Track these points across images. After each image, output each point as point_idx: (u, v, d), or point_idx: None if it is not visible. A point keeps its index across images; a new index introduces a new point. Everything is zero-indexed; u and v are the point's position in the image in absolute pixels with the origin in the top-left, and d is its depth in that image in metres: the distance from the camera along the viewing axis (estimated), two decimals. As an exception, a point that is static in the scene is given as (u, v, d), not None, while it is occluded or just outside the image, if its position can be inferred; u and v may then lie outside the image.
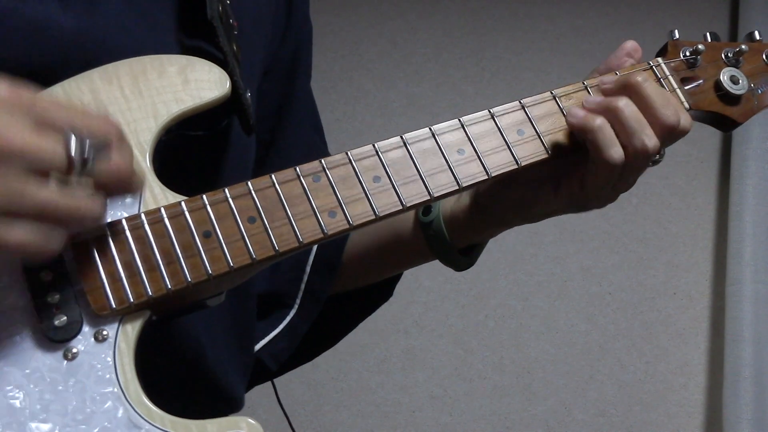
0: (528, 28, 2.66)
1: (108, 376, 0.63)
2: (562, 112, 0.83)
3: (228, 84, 0.73)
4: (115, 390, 0.63)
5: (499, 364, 2.42)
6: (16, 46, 0.68)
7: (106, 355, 0.64)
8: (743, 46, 0.91)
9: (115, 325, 0.65)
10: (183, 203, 0.68)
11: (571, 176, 0.83)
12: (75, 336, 0.64)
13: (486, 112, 0.81)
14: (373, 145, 0.76)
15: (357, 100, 2.59)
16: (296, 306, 1.01)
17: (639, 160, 0.80)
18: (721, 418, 2.28)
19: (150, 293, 0.65)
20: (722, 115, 0.90)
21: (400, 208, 0.74)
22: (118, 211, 0.67)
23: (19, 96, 0.58)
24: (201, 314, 0.78)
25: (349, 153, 0.75)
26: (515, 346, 2.43)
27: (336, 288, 1.04)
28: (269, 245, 0.69)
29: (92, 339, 0.64)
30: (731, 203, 2.40)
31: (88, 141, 0.58)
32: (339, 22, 2.63)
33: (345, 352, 2.37)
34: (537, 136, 0.81)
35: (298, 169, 0.72)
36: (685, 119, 0.82)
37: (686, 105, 0.87)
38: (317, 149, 1.04)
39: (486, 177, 0.78)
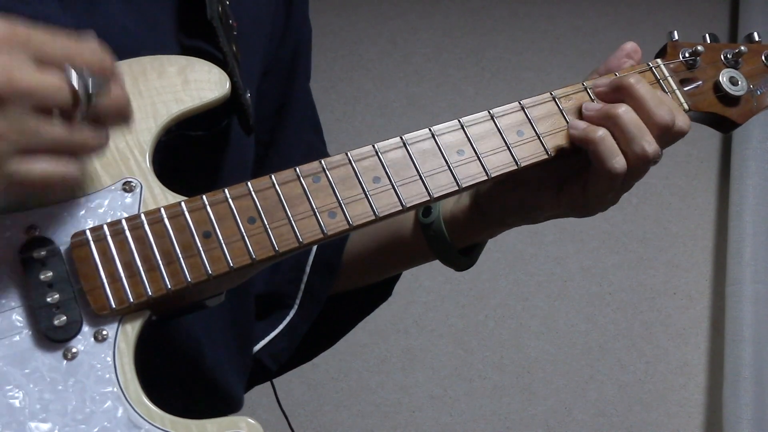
0: (528, 28, 2.66)
1: (108, 375, 0.63)
2: (562, 113, 0.83)
3: (228, 84, 0.74)
4: (115, 390, 0.63)
5: (499, 364, 2.42)
6: (16, 45, 0.68)
7: (106, 355, 0.64)
8: (742, 48, 0.91)
9: (115, 325, 0.65)
10: (183, 203, 0.69)
11: (573, 183, 0.83)
12: (75, 336, 0.64)
13: (486, 112, 0.81)
14: (373, 146, 0.76)
15: (357, 100, 2.59)
16: (296, 306, 1.01)
17: (640, 166, 0.80)
18: (721, 418, 2.28)
19: (150, 293, 0.65)
20: (721, 116, 0.90)
21: (400, 208, 0.74)
22: (118, 212, 0.68)
23: (15, 33, 0.58)
24: (200, 315, 0.78)
25: (348, 153, 0.75)
26: (515, 346, 2.43)
27: (336, 288, 1.04)
28: (269, 245, 0.69)
29: (92, 339, 0.64)
30: (731, 203, 2.41)
31: (90, 77, 0.60)
32: (339, 22, 2.63)
33: (345, 352, 2.37)
34: (537, 137, 0.81)
35: (297, 169, 0.72)
36: (683, 120, 0.82)
37: (685, 106, 0.87)
38: (316, 150, 1.04)
39: (486, 178, 0.78)
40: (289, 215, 0.71)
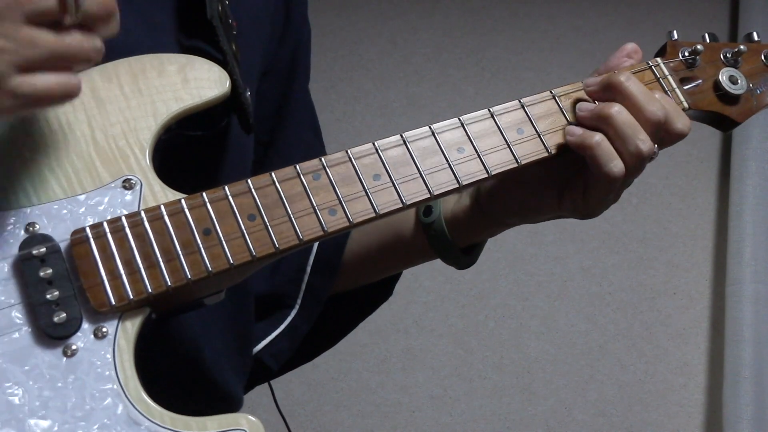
0: (528, 28, 2.66)
1: (107, 373, 0.64)
2: (562, 111, 0.83)
3: (228, 83, 0.74)
4: (115, 387, 0.63)
5: (499, 364, 2.42)
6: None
7: (106, 352, 0.64)
8: (742, 47, 0.91)
9: (115, 322, 0.65)
10: (183, 201, 0.69)
11: (574, 187, 0.84)
12: (74, 333, 0.64)
13: (486, 111, 0.81)
14: (373, 144, 0.76)
15: (357, 100, 2.59)
16: (297, 306, 1.01)
17: (636, 165, 0.80)
18: (721, 418, 2.28)
19: (150, 290, 0.65)
20: (721, 115, 0.90)
21: (400, 206, 0.74)
22: (118, 209, 0.68)
23: None
24: (200, 314, 0.78)
25: (349, 151, 0.75)
26: (515, 346, 2.43)
27: (336, 288, 1.04)
28: (269, 243, 0.69)
29: (92, 336, 0.64)
30: (731, 203, 2.41)
31: None
32: (339, 22, 2.64)
33: (345, 352, 2.37)
34: (537, 135, 0.81)
35: (298, 167, 0.73)
36: (683, 123, 0.82)
37: (685, 105, 0.87)
38: (316, 150, 1.04)
39: (486, 175, 0.78)
40: (290, 212, 0.71)
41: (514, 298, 2.46)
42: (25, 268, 0.64)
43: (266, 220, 0.70)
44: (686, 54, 0.90)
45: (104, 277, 0.65)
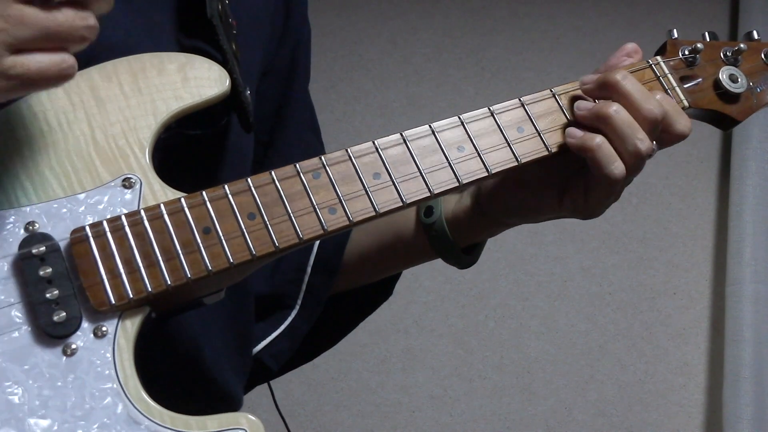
0: (528, 28, 2.66)
1: (107, 372, 0.63)
2: (562, 110, 0.83)
3: (227, 81, 0.74)
4: (115, 386, 0.63)
5: (499, 364, 2.42)
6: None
7: (106, 351, 0.64)
8: (742, 45, 0.91)
9: (115, 321, 0.65)
10: (183, 199, 0.68)
11: (574, 187, 0.84)
12: (74, 332, 0.64)
13: (486, 109, 0.81)
14: (373, 142, 0.76)
15: (357, 100, 2.59)
16: (297, 307, 1.01)
17: (635, 163, 0.80)
18: (721, 418, 2.28)
19: (149, 289, 0.65)
20: (721, 114, 0.90)
21: (400, 204, 0.74)
22: (117, 208, 0.68)
23: None
24: (199, 314, 0.78)
25: (348, 150, 0.75)
26: (515, 346, 2.43)
27: (336, 288, 1.04)
28: (269, 241, 0.69)
29: (91, 335, 0.64)
30: (731, 203, 2.41)
31: None
32: (339, 22, 2.63)
33: (345, 352, 2.37)
34: (537, 134, 0.81)
35: (297, 165, 0.72)
36: (684, 124, 0.82)
37: (685, 103, 0.87)
38: (315, 151, 1.04)
39: (486, 174, 0.78)
40: (289, 211, 0.71)
41: (514, 298, 2.46)
42: (24, 267, 0.64)
43: (266, 219, 0.70)
44: (686, 52, 0.90)
45: (104, 276, 0.65)
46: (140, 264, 0.66)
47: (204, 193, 0.69)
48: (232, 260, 0.68)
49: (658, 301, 2.46)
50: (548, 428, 2.38)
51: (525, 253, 2.48)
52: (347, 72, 2.61)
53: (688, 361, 2.42)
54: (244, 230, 0.69)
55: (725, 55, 0.91)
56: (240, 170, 0.88)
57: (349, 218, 0.72)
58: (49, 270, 0.64)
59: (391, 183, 0.75)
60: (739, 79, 0.90)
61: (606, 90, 0.81)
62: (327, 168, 0.73)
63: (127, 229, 0.66)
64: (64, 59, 0.60)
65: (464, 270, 0.99)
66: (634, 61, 0.87)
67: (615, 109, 0.79)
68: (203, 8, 0.78)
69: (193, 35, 0.79)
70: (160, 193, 0.69)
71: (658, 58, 0.89)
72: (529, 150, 0.81)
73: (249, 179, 0.71)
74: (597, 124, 0.80)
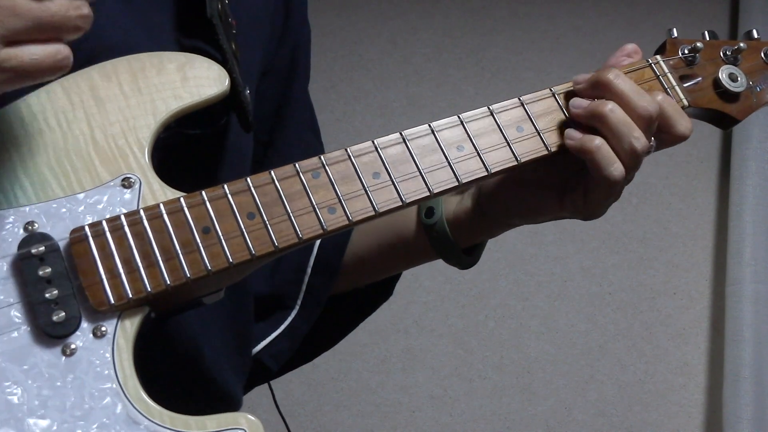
0: (528, 28, 2.66)
1: (106, 372, 0.63)
2: (562, 109, 0.83)
3: (227, 81, 0.74)
4: (114, 386, 0.63)
5: (499, 364, 2.41)
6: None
7: (105, 351, 0.64)
8: (742, 44, 0.91)
9: (114, 321, 0.65)
10: (182, 199, 0.68)
11: (574, 188, 0.84)
12: (73, 332, 0.63)
13: (485, 109, 0.81)
14: (373, 142, 0.76)
15: (357, 100, 2.59)
16: (297, 307, 1.01)
17: (632, 162, 0.80)
18: (721, 418, 2.28)
19: (149, 289, 0.65)
20: (721, 113, 0.90)
21: (400, 204, 0.74)
22: (116, 208, 0.67)
23: None
24: (198, 313, 0.78)
25: (348, 149, 0.74)
26: (515, 346, 2.43)
27: (336, 288, 1.04)
28: (268, 241, 0.69)
29: (90, 335, 0.64)
30: (731, 203, 2.41)
31: None
32: (339, 22, 2.63)
33: (345, 352, 2.37)
34: (537, 133, 0.81)
35: (297, 165, 0.72)
36: (684, 126, 0.82)
37: (685, 102, 0.87)
38: (315, 151, 1.04)
39: (486, 173, 0.78)
40: (289, 211, 0.70)
41: (514, 298, 2.46)
42: (24, 266, 0.64)
43: (265, 219, 0.70)
44: (686, 51, 0.89)
45: (103, 276, 0.65)
46: (139, 264, 0.66)
47: (203, 192, 0.69)
48: (231, 260, 0.68)
49: (658, 301, 2.46)
50: (548, 428, 2.38)
51: (525, 253, 2.48)
52: (347, 72, 2.61)
53: (688, 361, 2.42)
54: (244, 230, 0.69)
55: (725, 54, 0.91)
56: (239, 170, 0.88)
57: (348, 218, 0.72)
58: (49, 270, 0.64)
59: (390, 182, 0.74)
60: (739, 78, 0.90)
61: (599, 89, 0.81)
62: (326, 167, 0.73)
63: (127, 228, 0.66)
64: (59, 50, 0.59)
65: (465, 270, 0.99)
66: (633, 61, 0.87)
67: (610, 108, 0.79)
68: (203, 8, 0.78)
69: (193, 35, 0.79)
70: (160, 192, 0.69)
71: (658, 57, 0.89)
72: (529, 149, 0.81)
73: (248, 179, 0.71)
74: (593, 122, 0.80)
